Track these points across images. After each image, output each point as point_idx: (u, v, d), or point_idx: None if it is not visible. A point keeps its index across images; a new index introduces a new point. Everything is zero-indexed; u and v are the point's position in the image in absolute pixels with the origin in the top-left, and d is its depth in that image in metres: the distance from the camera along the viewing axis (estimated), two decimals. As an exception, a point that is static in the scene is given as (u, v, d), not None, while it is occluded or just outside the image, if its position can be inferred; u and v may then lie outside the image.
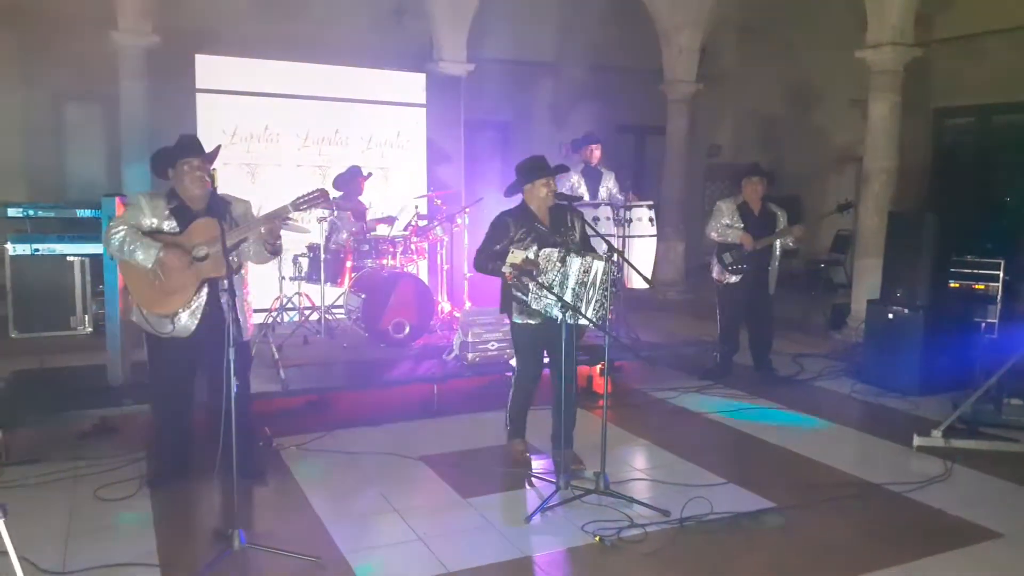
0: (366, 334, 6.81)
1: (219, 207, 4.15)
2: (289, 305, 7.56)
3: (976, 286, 7.39)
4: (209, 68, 7.84)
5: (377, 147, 8.54)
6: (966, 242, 7.46)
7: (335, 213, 7.12)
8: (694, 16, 10.39)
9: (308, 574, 3.47)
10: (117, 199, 5.04)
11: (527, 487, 4.54)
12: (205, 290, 4.13)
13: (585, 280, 4.31)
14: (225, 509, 4.08)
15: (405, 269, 7.21)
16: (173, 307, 4.11)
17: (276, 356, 5.78)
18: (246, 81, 7.95)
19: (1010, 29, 9.01)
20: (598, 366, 6.19)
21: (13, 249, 7.33)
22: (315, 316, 7.25)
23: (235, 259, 4.24)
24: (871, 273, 7.62)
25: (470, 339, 6.06)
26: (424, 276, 7.73)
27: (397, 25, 10.33)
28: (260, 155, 8.05)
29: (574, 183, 7.41)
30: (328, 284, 7.05)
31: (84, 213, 7.88)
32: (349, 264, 7.09)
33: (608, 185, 7.49)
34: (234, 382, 3.49)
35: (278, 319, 7.24)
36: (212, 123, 7.59)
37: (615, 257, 4.44)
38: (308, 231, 6.99)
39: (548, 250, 4.37)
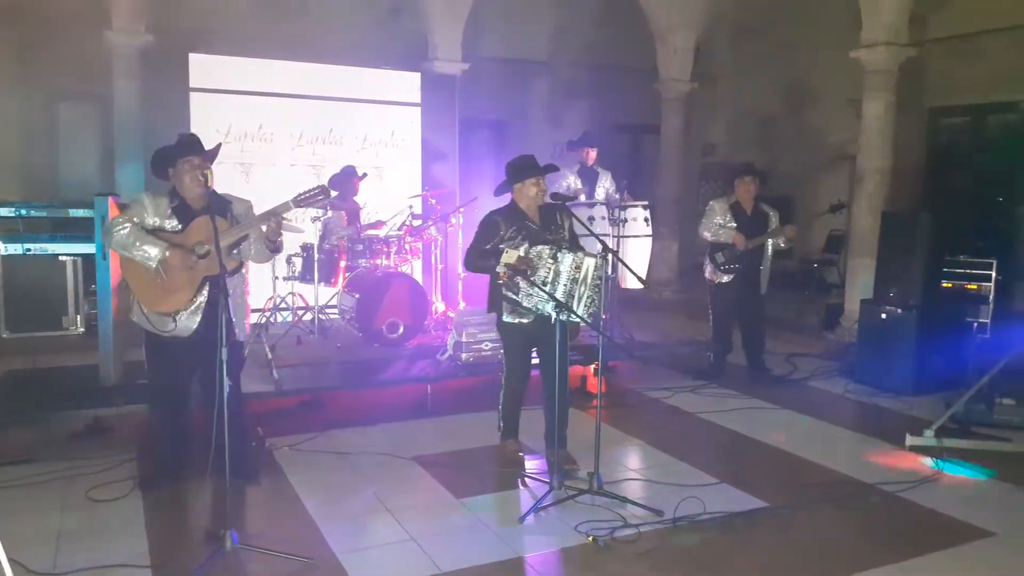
0: (360, 334, 6.80)
1: (220, 206, 4.16)
2: (283, 305, 7.54)
3: (969, 286, 7.41)
4: (203, 67, 7.82)
5: (372, 146, 8.53)
6: (959, 242, 7.48)
7: (329, 214, 7.11)
8: (689, 15, 10.40)
9: (301, 575, 3.46)
10: (110, 198, 5.03)
11: (520, 487, 4.54)
12: (206, 288, 4.13)
13: (576, 277, 4.32)
14: (217, 510, 4.07)
15: (399, 269, 7.21)
16: (175, 305, 4.11)
17: (269, 356, 5.77)
18: (240, 80, 7.94)
19: (1004, 28, 9.02)
20: (592, 366, 6.18)
21: (5, 248, 7.30)
22: (309, 316, 7.24)
23: (236, 257, 4.24)
24: (864, 273, 7.64)
25: (464, 339, 6.06)
26: (418, 276, 7.73)
27: (392, 24, 10.30)
28: (254, 154, 8.03)
29: (571, 183, 7.41)
30: (322, 284, 7.03)
31: (77, 213, 7.85)
32: (343, 264, 7.08)
33: (605, 185, 7.50)
34: (227, 383, 3.48)
35: (271, 319, 7.23)
36: (206, 122, 7.56)
37: (609, 257, 4.44)
38: (302, 231, 6.98)
39: (539, 247, 4.38)
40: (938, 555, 3.77)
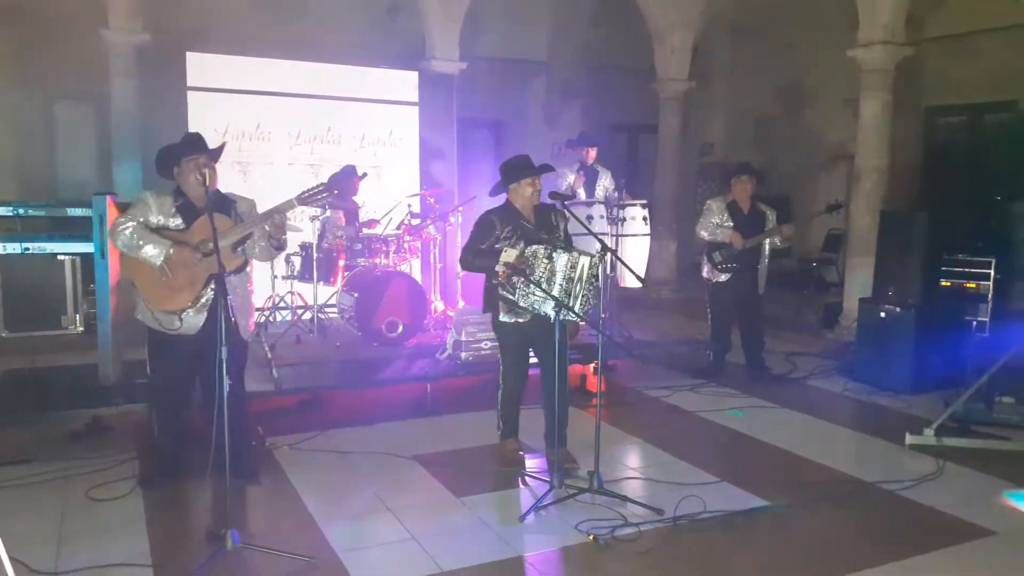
0: (359, 333, 6.80)
1: (224, 205, 4.17)
2: (282, 304, 7.54)
3: (967, 284, 7.42)
4: (200, 66, 7.82)
5: (370, 145, 8.53)
6: (957, 241, 7.49)
7: (327, 213, 7.10)
8: (686, 15, 10.40)
9: (301, 574, 3.46)
10: (108, 198, 5.02)
11: (521, 486, 4.54)
12: (211, 286, 4.12)
13: (572, 275, 4.34)
14: (218, 509, 4.06)
15: (398, 268, 7.20)
16: (181, 303, 4.12)
17: (269, 355, 5.76)
18: (238, 79, 7.93)
19: (1001, 28, 9.04)
20: (591, 365, 6.19)
21: (3, 248, 7.28)
22: (308, 315, 7.24)
23: (240, 255, 4.24)
24: (863, 272, 7.65)
25: (463, 338, 6.06)
26: (417, 275, 7.72)
27: (389, 23, 10.30)
28: (252, 153, 8.03)
29: (571, 182, 7.41)
30: (321, 283, 7.03)
31: (75, 212, 7.82)
32: (342, 263, 7.07)
33: (604, 183, 7.51)
34: (226, 381, 3.48)
35: (271, 318, 7.21)
36: (204, 121, 7.54)
37: (608, 256, 4.45)
38: (300, 229, 6.97)
39: (535, 247, 4.39)
40: (938, 554, 3.77)
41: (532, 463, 4.81)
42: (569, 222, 4.76)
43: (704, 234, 6.74)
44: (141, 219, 4.07)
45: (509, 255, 4.35)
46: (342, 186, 7.39)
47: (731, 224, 6.61)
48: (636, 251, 7.15)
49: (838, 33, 8.84)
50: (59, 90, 9.20)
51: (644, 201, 7.40)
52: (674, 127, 10.76)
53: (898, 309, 6.52)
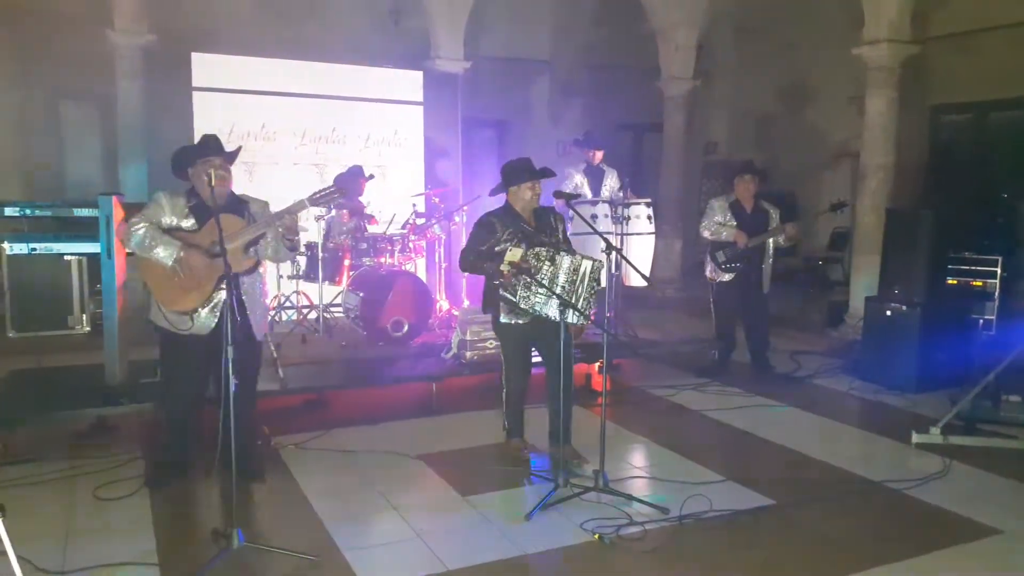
0: (364, 332, 6.81)
1: (237, 206, 4.19)
2: (287, 304, 7.55)
3: (974, 283, 7.40)
4: (206, 67, 7.83)
5: (374, 145, 8.54)
6: (963, 239, 7.46)
7: (332, 212, 7.11)
8: (690, 13, 10.39)
9: (307, 573, 3.47)
10: (114, 198, 5.03)
11: (526, 485, 4.53)
12: (222, 286, 4.14)
13: (574, 278, 4.35)
14: (224, 508, 4.07)
15: (403, 267, 7.21)
16: (192, 304, 4.13)
17: (275, 355, 5.76)
18: (243, 80, 7.95)
19: (1007, 26, 9.01)
20: (597, 364, 6.19)
21: (10, 248, 7.30)
22: (313, 315, 7.25)
23: (252, 256, 4.26)
24: (869, 270, 7.64)
25: (468, 337, 6.06)
26: (422, 274, 7.73)
27: (394, 23, 10.31)
28: (257, 153, 8.04)
29: (578, 183, 7.42)
30: (326, 282, 7.04)
31: (81, 212, 7.86)
32: (347, 262, 7.08)
33: (610, 183, 7.51)
34: (233, 381, 3.49)
35: (276, 318, 7.22)
36: (209, 122, 7.55)
37: (613, 254, 4.45)
38: (306, 229, 6.97)
39: (537, 249, 4.39)
40: (944, 553, 3.76)
41: (537, 462, 4.80)
42: (573, 221, 4.77)
43: (706, 234, 6.74)
44: (153, 220, 4.10)
45: (514, 254, 4.35)
46: (348, 185, 7.40)
47: (735, 223, 6.60)
48: (641, 250, 7.14)
49: (842, 31, 8.83)
50: (65, 90, 9.24)
51: (649, 200, 7.39)
52: (678, 126, 10.75)
53: (904, 307, 6.50)
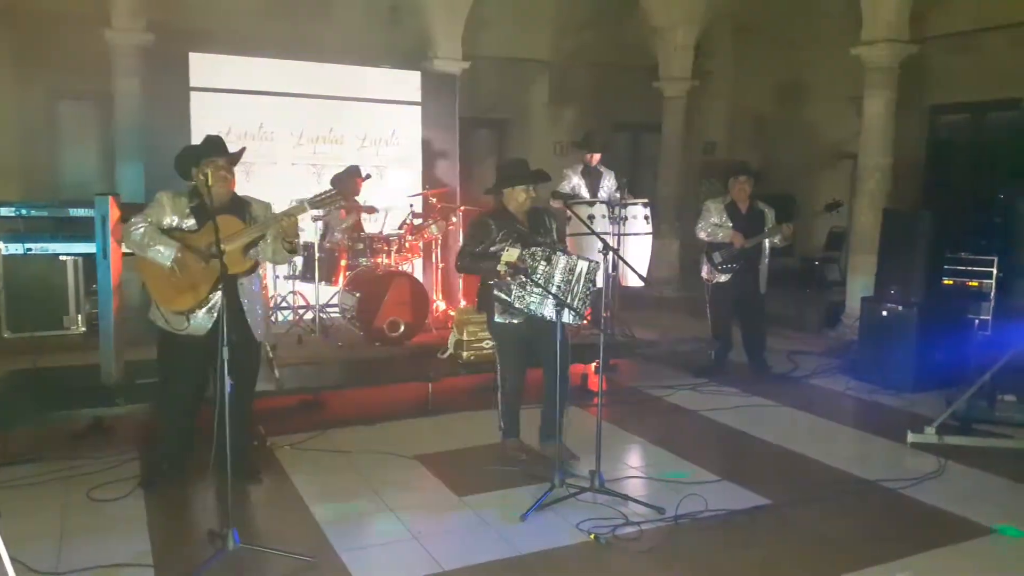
0: (361, 333, 6.81)
1: (239, 207, 4.21)
2: (283, 304, 7.55)
3: (970, 283, 7.41)
4: (203, 66, 7.82)
5: (372, 145, 8.53)
6: (960, 239, 7.48)
7: (328, 211, 7.10)
8: (689, 13, 10.39)
9: (302, 574, 3.46)
10: (111, 198, 5.02)
11: (522, 485, 4.52)
12: (219, 287, 4.13)
13: (570, 278, 4.36)
14: (219, 509, 4.07)
15: (400, 267, 7.21)
16: (188, 304, 4.13)
17: (271, 355, 5.76)
18: (240, 79, 7.94)
19: (1005, 26, 9.02)
20: (593, 364, 6.18)
21: (6, 248, 7.28)
22: (310, 315, 7.24)
23: (252, 257, 4.26)
24: (865, 270, 7.64)
25: (465, 337, 6.06)
26: (419, 274, 7.72)
27: (392, 23, 10.30)
28: (254, 154, 8.00)
29: (575, 185, 7.42)
30: (322, 283, 7.04)
31: (77, 212, 7.81)
32: (343, 263, 7.08)
33: (607, 184, 7.51)
34: (228, 382, 3.48)
35: (273, 318, 7.22)
36: (206, 122, 7.54)
37: (610, 254, 4.46)
38: (303, 230, 6.96)
39: (532, 249, 4.40)
40: (939, 552, 3.77)
41: (533, 462, 4.80)
42: (571, 221, 4.77)
43: (702, 235, 6.75)
44: (152, 220, 4.10)
45: (511, 255, 4.36)
46: (344, 185, 7.41)
47: (730, 224, 6.60)
48: (638, 250, 7.15)
49: (841, 31, 8.82)
50: (62, 90, 9.22)
51: (646, 200, 7.40)
52: (677, 126, 10.76)
53: (900, 307, 6.50)
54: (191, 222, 4.16)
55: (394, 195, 8.22)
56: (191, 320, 4.15)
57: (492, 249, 4.51)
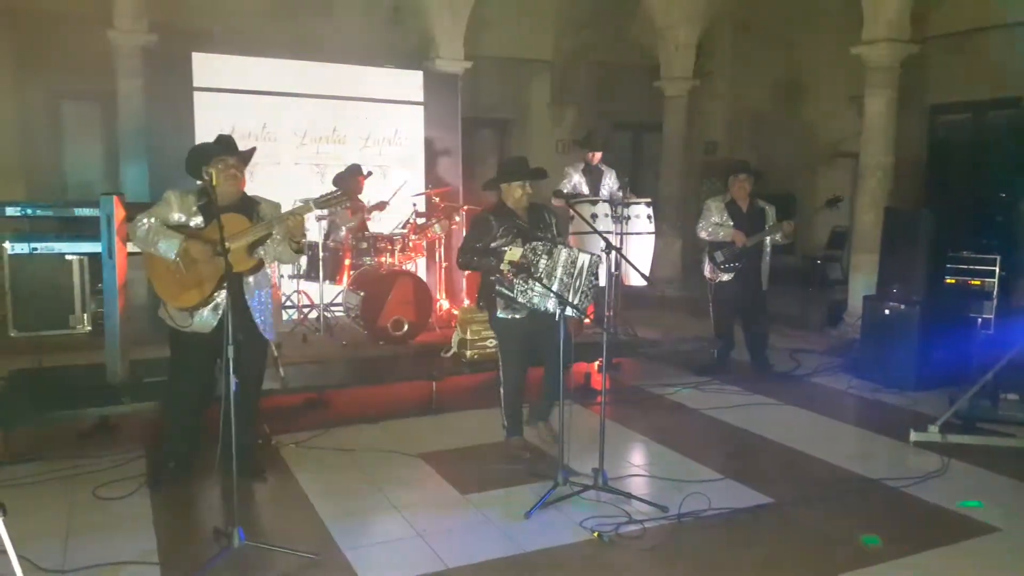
0: (365, 332, 6.83)
1: (247, 206, 4.23)
2: (288, 303, 7.56)
3: (972, 282, 7.39)
4: (206, 66, 7.84)
5: (375, 145, 8.54)
6: (962, 238, 7.47)
7: (333, 210, 7.12)
8: (690, 12, 10.40)
9: (307, 571, 3.48)
10: (115, 198, 5.04)
11: (526, 483, 4.54)
12: (225, 285, 4.15)
13: (572, 271, 4.38)
14: (224, 507, 4.09)
15: (403, 267, 7.22)
16: (192, 300, 4.15)
17: (275, 354, 5.77)
18: (244, 79, 7.95)
19: (1005, 25, 9.03)
20: (596, 363, 6.20)
21: (11, 248, 7.29)
22: (314, 314, 7.26)
23: (258, 255, 4.28)
24: (867, 269, 7.65)
25: (468, 336, 6.08)
26: (423, 273, 7.74)
27: (394, 23, 10.32)
28: (258, 154, 7.90)
29: (576, 183, 7.44)
30: (327, 282, 7.06)
31: (83, 212, 7.83)
32: (348, 262, 7.10)
33: (609, 183, 7.53)
34: (233, 380, 3.50)
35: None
36: (210, 122, 7.57)
37: (613, 254, 4.47)
38: (308, 229, 6.98)
39: (534, 244, 4.42)
40: (942, 551, 3.78)
41: (537, 460, 4.81)
42: (573, 220, 4.80)
43: (703, 235, 6.76)
44: (156, 218, 4.11)
45: (514, 254, 4.38)
46: (346, 184, 7.42)
47: (731, 223, 6.61)
48: (641, 249, 7.17)
49: (841, 31, 8.83)
50: (65, 90, 9.24)
51: (648, 199, 7.42)
52: (678, 125, 10.76)
53: (902, 306, 6.51)
54: (198, 220, 4.18)
55: (397, 195, 8.23)
56: (195, 317, 4.16)
57: (493, 245, 4.53)
